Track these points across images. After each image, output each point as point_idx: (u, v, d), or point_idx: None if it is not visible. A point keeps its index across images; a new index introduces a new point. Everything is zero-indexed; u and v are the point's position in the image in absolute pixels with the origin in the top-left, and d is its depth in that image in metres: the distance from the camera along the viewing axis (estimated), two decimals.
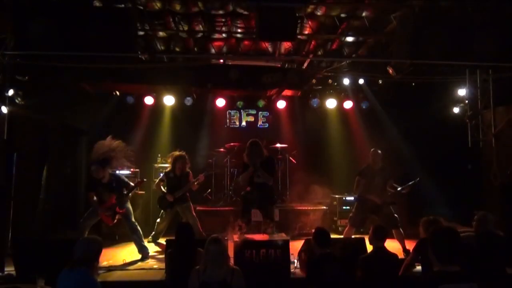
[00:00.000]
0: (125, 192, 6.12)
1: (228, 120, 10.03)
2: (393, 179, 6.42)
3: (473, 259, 3.73)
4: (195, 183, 6.69)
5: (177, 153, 6.77)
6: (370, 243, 4.53)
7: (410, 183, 6.26)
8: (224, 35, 7.33)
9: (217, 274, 3.45)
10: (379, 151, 6.43)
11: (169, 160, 6.83)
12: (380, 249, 4.32)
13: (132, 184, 6.35)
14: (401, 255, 5.69)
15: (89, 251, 3.55)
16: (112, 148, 6.19)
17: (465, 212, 5.71)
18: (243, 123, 10.05)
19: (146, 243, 6.32)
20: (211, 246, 3.53)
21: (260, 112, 10.02)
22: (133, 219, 6.17)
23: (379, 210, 6.18)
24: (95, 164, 5.97)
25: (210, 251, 3.50)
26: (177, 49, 7.83)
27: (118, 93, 8.92)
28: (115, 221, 6.08)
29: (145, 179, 7.19)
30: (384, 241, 4.36)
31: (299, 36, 7.03)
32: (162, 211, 6.79)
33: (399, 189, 6.27)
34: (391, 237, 6.15)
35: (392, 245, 5.95)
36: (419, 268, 4.45)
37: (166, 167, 8.14)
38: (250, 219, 6.08)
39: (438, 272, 2.68)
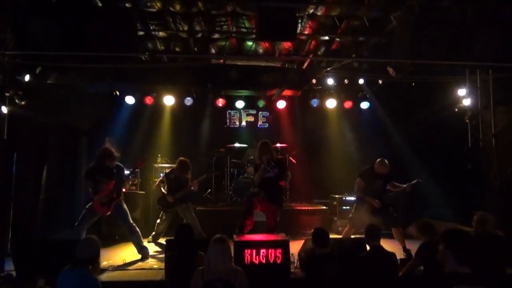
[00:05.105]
0: (126, 175, 6.14)
1: (228, 120, 10.04)
2: (394, 180, 6.41)
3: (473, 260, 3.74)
4: (192, 186, 6.71)
5: (182, 158, 6.81)
6: (366, 244, 4.54)
7: (413, 182, 6.23)
8: (224, 35, 7.33)
9: (220, 273, 3.45)
10: (386, 161, 6.25)
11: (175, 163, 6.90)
12: (376, 248, 4.33)
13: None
14: (400, 254, 5.68)
15: (89, 251, 3.55)
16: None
17: (465, 212, 5.71)
18: (243, 123, 10.05)
19: (145, 243, 6.32)
20: (215, 245, 3.53)
21: (260, 112, 10.02)
22: (131, 220, 6.11)
23: (378, 211, 6.18)
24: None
25: (214, 250, 3.51)
26: (177, 49, 7.83)
27: (118, 93, 8.92)
28: (109, 212, 5.94)
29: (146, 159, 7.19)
30: (379, 240, 4.37)
31: (299, 36, 7.03)
32: (162, 211, 6.79)
33: (399, 189, 6.26)
34: (391, 236, 6.16)
35: (392, 244, 5.96)
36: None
37: (166, 167, 8.16)
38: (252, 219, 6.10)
39: (451, 273, 2.71)
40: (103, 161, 5.94)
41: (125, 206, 6.12)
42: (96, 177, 5.90)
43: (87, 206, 5.92)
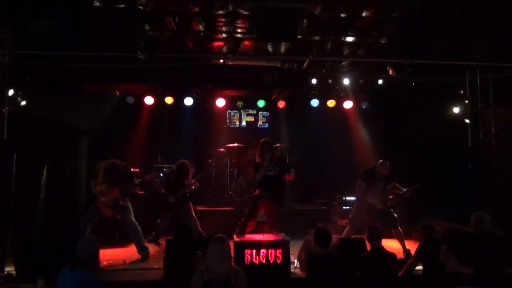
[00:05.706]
0: (131, 185, 6.11)
1: (228, 120, 10.03)
2: (396, 181, 6.40)
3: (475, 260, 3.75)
4: (193, 185, 6.71)
5: (182, 161, 6.83)
6: (367, 244, 4.55)
7: (412, 188, 6.25)
8: (224, 35, 7.33)
9: (220, 273, 3.44)
10: (387, 163, 6.25)
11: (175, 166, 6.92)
12: (377, 248, 4.33)
13: (136, 180, 6.35)
14: (400, 254, 5.68)
15: (89, 250, 3.55)
16: None
17: (465, 212, 5.71)
18: (243, 123, 10.04)
19: (146, 243, 6.32)
20: (215, 245, 3.52)
21: (260, 112, 10.01)
22: (133, 219, 6.14)
23: (379, 211, 6.18)
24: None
25: (214, 250, 3.50)
26: (178, 49, 7.83)
27: (118, 93, 8.92)
28: (114, 214, 5.97)
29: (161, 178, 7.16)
30: (380, 240, 4.37)
31: (299, 36, 7.02)
32: (162, 211, 6.80)
33: (401, 193, 6.27)
34: (391, 236, 6.16)
35: (392, 244, 5.96)
36: (418, 267, 4.47)
37: (165, 167, 8.17)
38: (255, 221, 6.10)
39: (452, 274, 2.71)
40: (112, 165, 5.93)
41: (129, 204, 6.12)
42: (104, 179, 5.90)
43: (93, 204, 5.95)
